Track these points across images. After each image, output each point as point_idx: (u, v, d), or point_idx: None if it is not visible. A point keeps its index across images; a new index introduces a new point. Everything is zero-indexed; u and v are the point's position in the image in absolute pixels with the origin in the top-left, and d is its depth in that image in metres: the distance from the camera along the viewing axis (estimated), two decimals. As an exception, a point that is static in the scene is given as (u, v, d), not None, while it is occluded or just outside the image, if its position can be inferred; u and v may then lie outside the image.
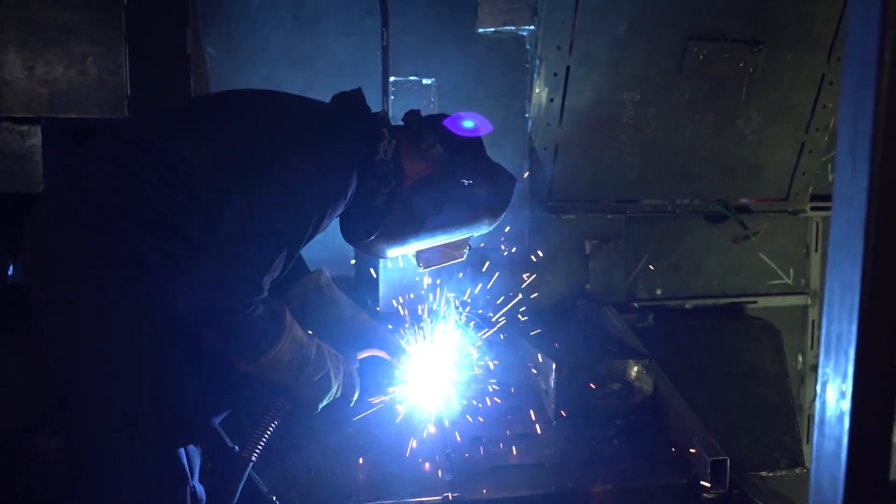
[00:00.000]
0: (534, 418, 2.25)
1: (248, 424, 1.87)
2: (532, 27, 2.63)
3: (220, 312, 1.61)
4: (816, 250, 3.23)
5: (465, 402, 2.17)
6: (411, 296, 2.35)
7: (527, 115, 2.71)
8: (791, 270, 3.23)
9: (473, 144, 1.91)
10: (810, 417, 3.26)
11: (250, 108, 1.80)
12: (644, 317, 2.79)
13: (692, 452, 2.13)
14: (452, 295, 2.33)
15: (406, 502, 2.01)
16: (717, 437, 2.12)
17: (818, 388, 1.10)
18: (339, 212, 1.82)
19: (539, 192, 2.77)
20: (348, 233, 1.94)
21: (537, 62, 2.61)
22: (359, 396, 1.93)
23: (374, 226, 1.86)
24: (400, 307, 2.28)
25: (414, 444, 2.10)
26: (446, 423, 2.14)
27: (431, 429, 2.13)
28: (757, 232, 2.92)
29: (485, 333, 2.29)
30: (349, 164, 1.75)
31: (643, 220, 2.98)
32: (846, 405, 1.02)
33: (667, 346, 2.54)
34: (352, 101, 1.90)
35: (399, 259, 2.28)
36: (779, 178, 2.96)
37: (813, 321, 3.26)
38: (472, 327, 2.25)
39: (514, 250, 2.66)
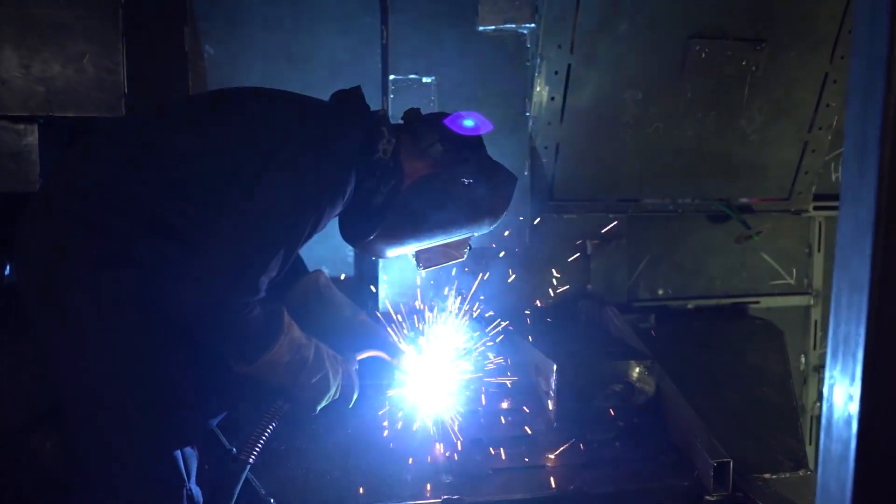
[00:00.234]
0: (535, 420, 2.23)
1: (246, 426, 1.85)
2: (533, 25, 2.62)
3: (216, 313, 1.59)
4: (819, 250, 3.22)
5: (464, 403, 2.16)
6: (419, 304, 2.33)
7: (527, 114, 2.69)
8: (794, 270, 3.22)
9: (474, 143, 1.89)
10: (813, 418, 3.25)
11: (247, 106, 1.79)
12: (646, 317, 2.78)
13: (695, 454, 2.11)
14: (453, 294, 2.31)
15: (406, 505, 2.00)
16: (719, 438, 2.11)
17: (825, 390, 1.08)
18: (338, 211, 1.80)
19: (540, 191, 2.75)
20: (347, 232, 1.92)
21: (538, 60, 2.60)
22: (358, 398, 1.91)
23: (373, 225, 1.84)
24: (399, 315, 2.26)
25: (414, 445, 2.09)
26: (453, 423, 2.12)
27: (431, 430, 2.11)
28: (759, 232, 2.90)
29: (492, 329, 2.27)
30: (348, 163, 1.73)
31: (645, 219, 2.96)
32: (854, 408, 1.00)
33: (669, 346, 2.53)
34: (351, 99, 1.88)
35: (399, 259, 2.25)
36: (781, 178, 2.95)
37: (816, 321, 3.25)
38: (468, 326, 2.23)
39: (516, 250, 2.65)
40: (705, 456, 2.05)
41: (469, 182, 1.84)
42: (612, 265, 2.86)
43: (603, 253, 2.84)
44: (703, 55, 2.62)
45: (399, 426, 2.11)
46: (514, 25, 2.63)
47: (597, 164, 2.77)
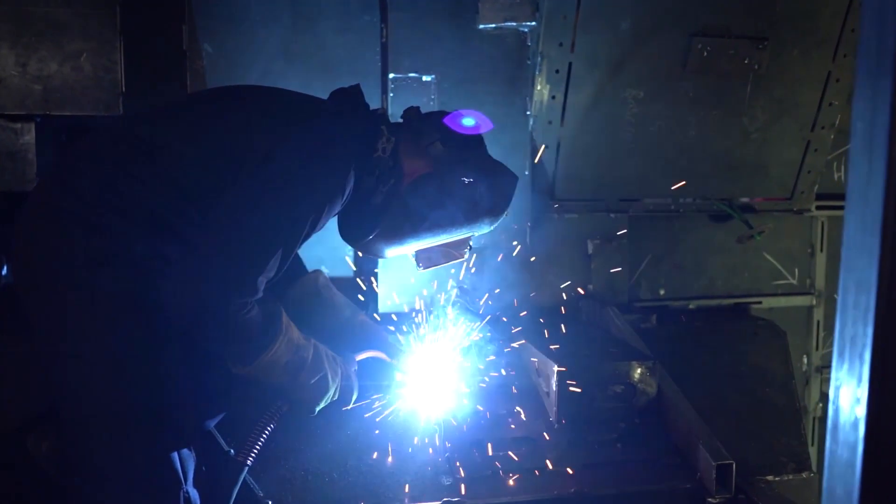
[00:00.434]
0: (536, 421, 2.21)
1: (244, 427, 1.83)
2: (533, 23, 2.60)
3: (213, 313, 1.58)
4: (822, 250, 3.21)
5: (464, 404, 2.14)
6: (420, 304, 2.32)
7: (528, 113, 2.68)
8: (796, 270, 3.21)
9: (474, 142, 1.88)
10: (815, 419, 3.24)
11: (245, 105, 1.77)
12: (647, 317, 2.76)
13: (697, 456, 2.09)
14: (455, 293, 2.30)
15: (405, 507, 1.98)
16: (722, 440, 2.09)
17: (831, 392, 1.07)
18: (337, 210, 1.79)
19: (541, 191, 2.73)
20: (346, 232, 1.91)
21: (539, 59, 2.58)
22: (357, 399, 1.90)
23: (372, 225, 1.83)
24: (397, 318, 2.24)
25: (413, 447, 2.07)
26: (453, 422, 2.11)
27: (431, 432, 2.09)
28: (762, 231, 2.89)
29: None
30: (346, 162, 1.72)
31: (646, 219, 2.94)
32: (861, 411, 0.98)
33: (670, 347, 2.51)
34: (350, 97, 1.86)
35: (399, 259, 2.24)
36: (784, 177, 2.93)
37: (818, 322, 3.24)
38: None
39: (517, 248, 2.63)
40: (708, 458, 2.04)
41: (469, 181, 1.83)
42: (613, 265, 2.84)
43: (604, 253, 2.82)
44: (706, 53, 2.61)
45: (398, 427, 2.09)
46: (514, 23, 2.61)
47: (598, 163, 2.75)
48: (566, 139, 2.68)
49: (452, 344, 2.15)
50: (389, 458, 2.06)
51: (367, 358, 1.96)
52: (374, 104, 1.92)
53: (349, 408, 1.90)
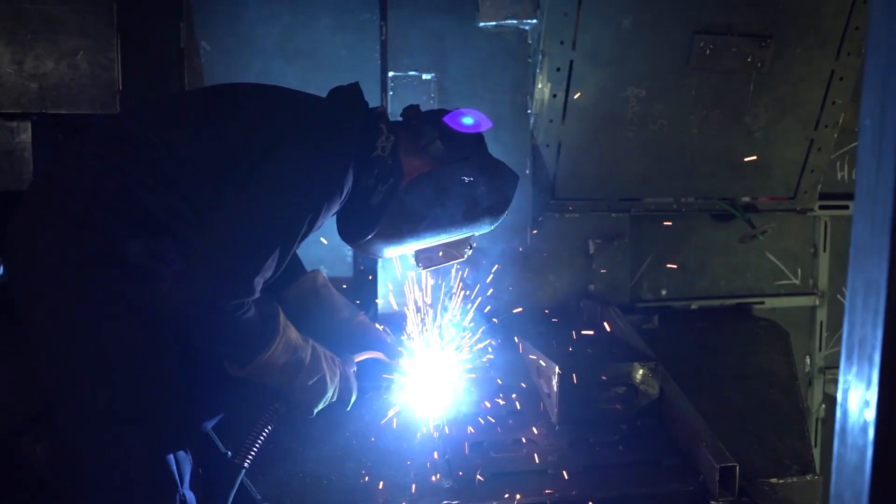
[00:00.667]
0: (536, 423, 2.20)
1: (242, 429, 1.81)
2: (534, 21, 2.58)
3: (209, 314, 1.56)
4: (825, 250, 3.20)
5: (464, 405, 2.12)
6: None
7: (529, 112, 2.66)
8: (799, 270, 3.20)
9: (474, 140, 1.86)
10: (818, 421, 3.22)
11: (242, 102, 1.75)
12: (649, 318, 2.74)
13: (699, 458, 2.07)
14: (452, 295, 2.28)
15: (404, 509, 1.96)
16: (725, 442, 2.07)
17: (839, 395, 1.04)
18: (335, 210, 1.77)
19: (542, 190, 2.71)
20: (345, 231, 1.89)
21: (540, 57, 2.56)
22: (356, 400, 1.88)
23: (371, 224, 1.81)
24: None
25: (412, 449, 2.05)
26: (446, 428, 2.09)
27: (431, 434, 2.08)
28: (765, 231, 2.86)
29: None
30: (345, 161, 1.70)
31: (648, 218, 2.93)
32: (870, 414, 0.96)
33: (673, 348, 2.50)
34: (348, 95, 1.85)
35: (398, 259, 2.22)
36: (787, 176, 2.91)
37: (821, 322, 3.23)
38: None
39: (518, 248, 2.61)
40: (710, 460, 2.02)
41: (470, 180, 1.81)
42: (614, 265, 2.82)
43: (605, 252, 2.80)
44: (708, 51, 2.59)
45: (397, 429, 2.07)
46: (515, 21, 2.59)
47: (599, 162, 2.73)
48: (567, 138, 2.66)
49: (451, 345, 2.13)
50: (388, 461, 2.04)
51: (366, 359, 1.94)
52: (373, 103, 1.90)
53: (348, 409, 1.88)
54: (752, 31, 2.61)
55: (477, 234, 1.89)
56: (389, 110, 2.41)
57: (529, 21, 2.59)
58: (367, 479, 2.02)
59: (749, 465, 2.16)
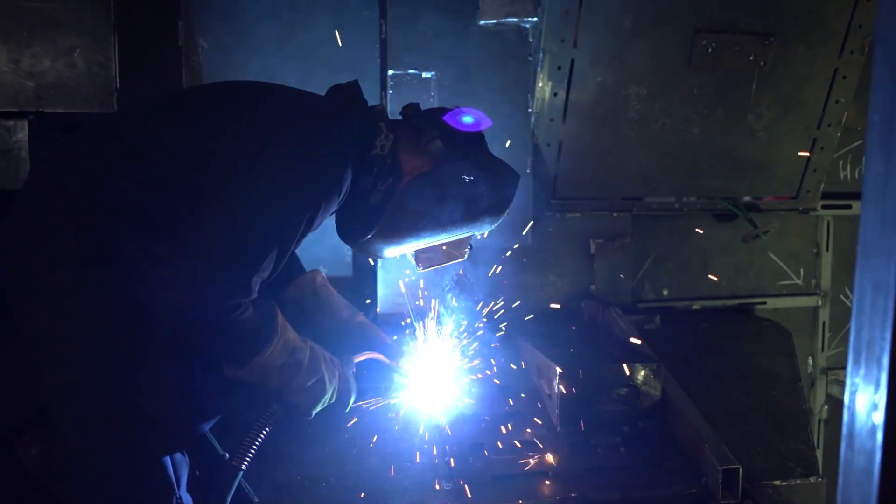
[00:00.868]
0: (537, 424, 2.18)
1: (239, 430, 1.79)
2: (535, 19, 2.57)
3: (206, 314, 1.54)
4: (827, 250, 3.19)
5: (464, 407, 2.10)
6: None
7: (530, 110, 2.64)
8: (801, 271, 3.19)
9: (475, 139, 1.84)
10: (821, 422, 3.20)
11: (239, 100, 1.73)
12: (651, 318, 2.73)
13: (702, 460, 2.06)
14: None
15: (404, 512, 1.95)
16: (728, 444, 2.06)
17: (846, 398, 1.02)
18: (333, 209, 1.75)
19: (543, 189, 2.70)
20: (344, 231, 1.87)
21: (541, 55, 2.55)
22: (355, 401, 1.86)
23: (370, 224, 1.79)
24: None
25: (412, 451, 2.04)
26: (447, 429, 2.07)
27: (431, 435, 2.06)
28: (767, 231, 2.85)
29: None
30: (343, 159, 1.68)
31: (650, 218, 2.91)
32: (879, 418, 0.94)
33: (675, 348, 2.48)
34: (347, 93, 1.83)
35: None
36: (789, 176, 2.89)
37: (824, 322, 3.22)
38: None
39: (518, 248, 2.60)
40: (713, 462, 2.00)
41: (470, 179, 1.79)
42: (615, 265, 2.81)
43: (607, 252, 2.79)
44: (710, 50, 2.57)
45: (397, 431, 2.05)
46: (516, 19, 2.57)
47: (600, 161, 2.71)
48: (568, 137, 2.64)
49: (451, 346, 2.12)
50: (388, 463, 2.03)
51: (366, 360, 1.92)
52: (372, 101, 1.89)
53: (347, 411, 1.86)
54: (754, 30, 2.59)
55: (478, 233, 1.87)
56: (389, 109, 2.40)
57: (530, 19, 2.58)
58: (365, 481, 2.00)
59: (752, 468, 2.15)
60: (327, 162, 1.65)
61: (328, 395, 1.77)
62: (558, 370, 2.15)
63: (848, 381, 1.00)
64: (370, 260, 2.49)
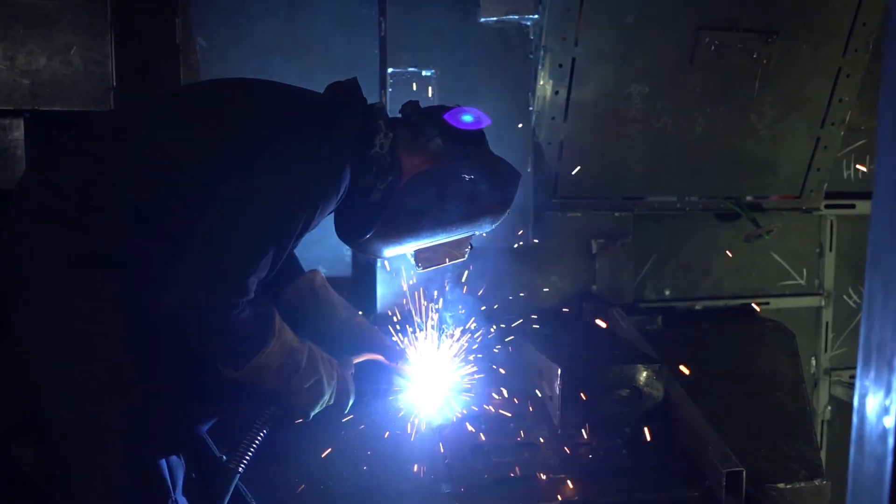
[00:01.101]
0: (538, 426, 2.17)
1: (236, 432, 1.78)
2: (536, 16, 2.56)
3: (202, 315, 1.52)
4: (830, 250, 3.18)
5: (464, 408, 2.09)
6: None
7: (531, 109, 2.63)
8: (804, 271, 3.18)
9: (475, 137, 1.82)
10: (824, 423, 3.19)
11: (236, 98, 1.72)
12: (653, 318, 2.71)
13: (705, 463, 2.04)
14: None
15: (403, 515, 1.93)
16: (731, 446, 2.04)
17: (855, 401, 1.00)
18: (332, 209, 1.73)
19: (543, 188, 2.68)
20: (343, 231, 1.85)
21: (542, 53, 2.53)
22: (354, 403, 1.84)
23: (369, 224, 1.77)
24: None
25: (412, 453, 2.02)
26: (453, 430, 2.06)
27: (430, 437, 2.04)
28: (770, 231, 2.83)
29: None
30: (342, 158, 1.66)
31: (652, 218, 2.90)
32: (890, 422, 0.92)
33: (677, 349, 2.46)
34: (346, 91, 1.81)
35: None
36: (793, 175, 2.88)
37: (827, 323, 3.21)
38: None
39: (519, 247, 2.58)
40: (717, 464, 1.99)
41: (470, 178, 1.77)
42: (617, 265, 2.79)
43: (608, 252, 2.77)
44: (713, 47, 2.56)
45: (397, 433, 2.03)
46: (516, 17, 2.56)
47: (602, 160, 2.70)
48: (569, 136, 2.63)
49: (451, 347, 2.10)
50: (387, 465, 2.01)
51: (365, 361, 1.90)
52: (372, 100, 1.86)
53: (346, 413, 1.84)
54: (757, 27, 2.58)
55: (478, 233, 1.85)
56: (388, 107, 2.37)
57: (531, 17, 2.57)
58: (364, 484, 1.98)
59: (756, 470, 2.13)
60: (325, 160, 1.63)
61: (326, 397, 1.75)
62: (559, 371, 2.13)
63: (857, 384, 0.98)
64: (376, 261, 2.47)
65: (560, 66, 2.54)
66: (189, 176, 1.61)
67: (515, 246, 2.59)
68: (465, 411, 2.10)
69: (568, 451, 2.10)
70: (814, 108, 2.77)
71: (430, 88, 2.55)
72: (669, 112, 2.66)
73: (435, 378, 2.05)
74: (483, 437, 2.10)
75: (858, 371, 0.98)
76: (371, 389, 1.96)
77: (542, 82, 2.57)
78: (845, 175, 3.12)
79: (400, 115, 1.86)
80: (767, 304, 3.09)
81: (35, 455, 1.74)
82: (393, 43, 2.51)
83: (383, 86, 2.52)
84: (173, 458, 1.66)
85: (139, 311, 1.54)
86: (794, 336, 2.75)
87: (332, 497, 1.97)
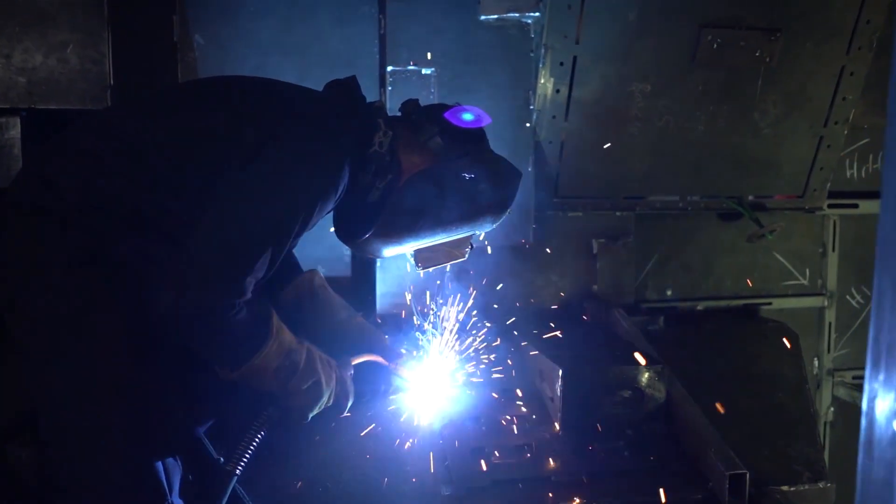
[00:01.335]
0: (539, 428, 2.16)
1: (234, 434, 1.76)
2: (537, 14, 2.54)
3: (198, 315, 1.50)
4: (833, 250, 3.16)
5: (465, 410, 2.07)
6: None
7: (531, 107, 2.61)
8: (807, 271, 3.16)
9: (476, 136, 1.81)
10: (826, 424, 3.17)
11: (234, 96, 1.70)
12: (654, 319, 2.69)
13: (708, 465, 2.02)
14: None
15: (402, 518, 1.92)
16: (734, 448, 2.03)
17: (864, 404, 0.98)
18: (330, 208, 1.72)
19: (544, 187, 2.67)
20: (341, 230, 1.84)
21: (543, 51, 2.52)
22: (353, 404, 1.82)
23: (368, 223, 1.76)
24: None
25: (411, 455, 2.01)
26: (453, 431, 2.05)
27: (430, 439, 2.03)
28: (773, 230, 2.81)
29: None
30: (340, 156, 1.64)
31: (653, 217, 2.88)
32: (900, 426, 0.90)
33: (679, 350, 2.45)
34: (345, 89, 1.79)
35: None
36: (795, 174, 2.86)
37: (830, 323, 3.19)
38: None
39: (519, 247, 2.56)
40: (720, 467, 1.97)
41: (471, 177, 1.76)
42: (618, 265, 2.78)
43: (609, 252, 2.76)
44: (716, 45, 2.54)
45: (396, 434, 2.02)
46: (517, 14, 2.54)
47: (603, 159, 2.68)
48: (570, 134, 2.62)
49: (452, 348, 2.08)
50: (386, 467, 2.00)
51: (364, 362, 1.89)
52: (371, 98, 1.85)
53: (344, 414, 1.82)
54: (760, 25, 2.56)
55: (478, 232, 1.84)
56: (388, 106, 2.36)
57: (532, 14, 2.55)
58: (363, 486, 1.97)
59: (759, 472, 2.11)
60: (324, 159, 1.61)
61: (325, 398, 1.73)
62: (560, 372, 2.11)
63: (866, 387, 0.96)
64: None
65: (561, 64, 2.52)
66: (187, 175, 1.59)
67: (516, 245, 2.58)
68: (464, 413, 2.09)
69: (569, 453, 2.09)
70: (817, 107, 2.75)
71: (430, 87, 2.53)
72: (671, 111, 2.64)
73: (435, 379, 2.04)
74: (483, 439, 2.09)
75: (867, 373, 0.96)
76: (370, 390, 1.95)
77: (542, 80, 2.55)
78: (848, 174, 3.10)
79: (399, 114, 1.84)
80: (770, 304, 3.07)
81: (31, 456, 1.73)
82: (392, 41, 2.49)
83: (383, 84, 2.51)
84: (169, 460, 1.64)
85: (135, 310, 1.53)
86: (797, 336, 2.73)
87: (330, 499, 1.96)
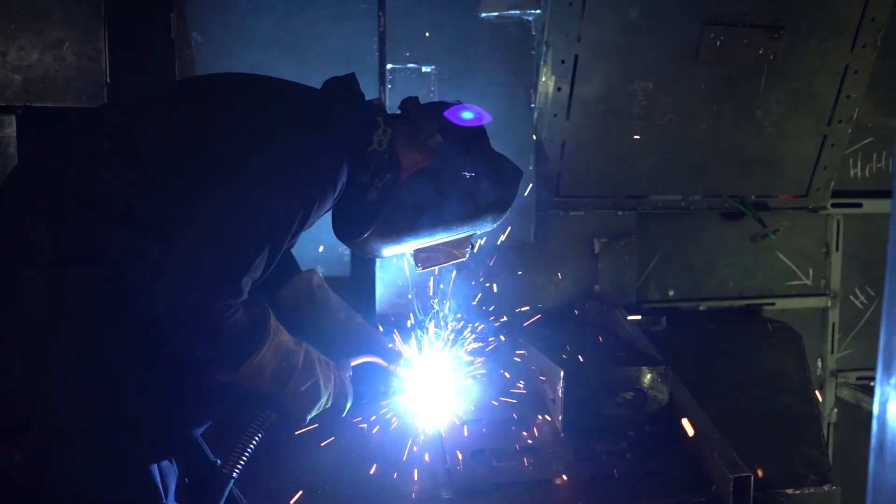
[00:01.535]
0: (540, 430, 2.13)
1: (231, 436, 1.74)
2: (538, 11, 2.52)
3: (194, 316, 1.48)
4: (837, 249, 3.15)
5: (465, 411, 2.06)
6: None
7: (532, 106, 2.59)
8: (810, 271, 3.14)
9: (476, 134, 1.79)
10: (830, 425, 3.15)
11: (230, 93, 1.68)
12: (656, 319, 2.67)
13: (712, 468, 2.00)
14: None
15: (402, 521, 1.90)
16: (738, 450, 2.01)
17: (875, 408, 0.96)
18: (328, 207, 1.70)
19: (545, 187, 2.65)
20: (340, 229, 1.82)
21: (544, 49, 2.50)
22: (352, 406, 1.81)
23: (367, 222, 1.74)
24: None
25: (411, 458, 1.99)
26: (453, 433, 2.04)
27: (430, 441, 2.01)
28: (776, 230, 2.80)
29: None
30: (339, 155, 1.62)
31: (655, 217, 2.87)
32: (914, 430, 0.87)
33: (681, 351, 2.44)
34: (344, 86, 1.78)
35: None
36: (799, 173, 2.85)
37: (833, 324, 3.17)
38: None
39: (519, 247, 2.55)
40: (723, 469, 1.95)
41: (471, 176, 1.74)
42: (620, 265, 2.77)
43: (611, 252, 2.74)
44: (718, 43, 2.52)
45: (395, 436, 2.00)
46: (518, 12, 2.53)
47: (605, 158, 2.67)
48: (572, 133, 2.60)
49: (452, 348, 2.07)
50: (386, 470, 1.97)
51: (363, 363, 1.87)
52: (370, 96, 1.83)
53: (343, 416, 1.80)
54: (764, 23, 2.55)
55: (479, 232, 1.82)
56: (388, 104, 2.35)
57: (533, 11, 2.54)
58: (363, 489, 1.95)
59: (763, 475, 2.10)
60: (322, 158, 1.60)
61: (324, 400, 1.72)
62: (562, 374, 2.09)
63: (878, 390, 0.93)
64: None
65: (562, 62, 2.51)
66: (180, 173, 1.57)
67: (517, 245, 2.56)
68: (465, 414, 2.07)
69: (571, 456, 2.07)
70: (821, 105, 2.73)
71: (430, 85, 2.52)
72: (674, 109, 2.63)
73: (434, 380, 2.02)
74: (484, 441, 2.07)
75: (878, 376, 0.94)
76: (369, 392, 1.93)
77: (544, 79, 2.53)
78: (852, 173, 3.09)
79: (399, 112, 1.82)
80: (773, 304, 3.05)
81: (23, 458, 1.70)
82: (392, 38, 2.48)
83: (382, 82, 2.49)
84: (165, 462, 1.62)
85: (129, 311, 1.51)
86: (800, 337, 2.71)
87: (329, 502, 1.93)
